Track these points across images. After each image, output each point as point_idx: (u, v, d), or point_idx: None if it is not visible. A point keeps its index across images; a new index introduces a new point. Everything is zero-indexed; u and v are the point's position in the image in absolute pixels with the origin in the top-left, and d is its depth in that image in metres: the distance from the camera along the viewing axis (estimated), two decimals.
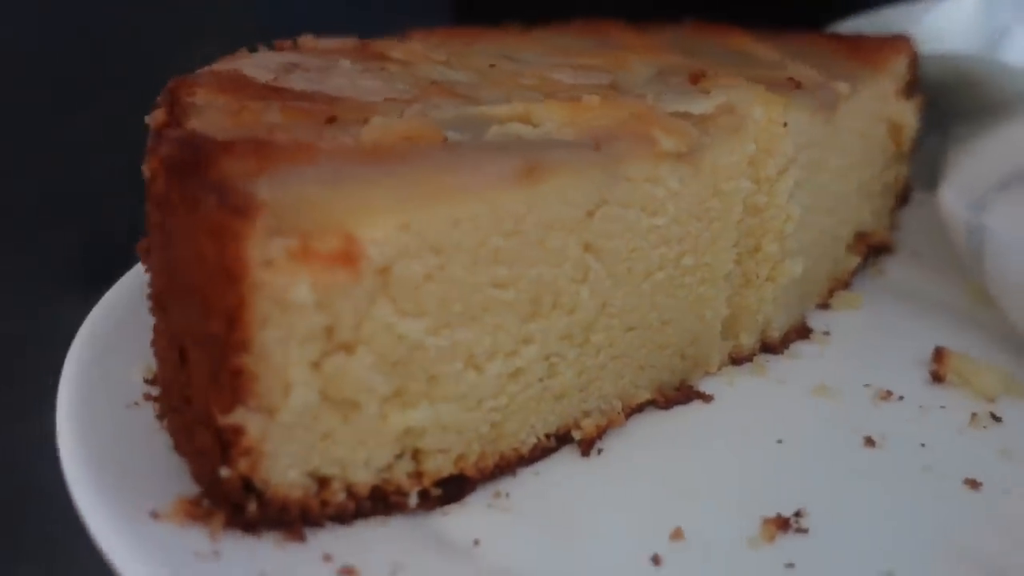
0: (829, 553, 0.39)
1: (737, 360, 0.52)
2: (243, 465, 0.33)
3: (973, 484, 0.43)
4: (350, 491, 0.37)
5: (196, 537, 0.33)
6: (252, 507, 0.34)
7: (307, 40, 0.53)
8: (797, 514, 0.40)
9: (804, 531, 0.40)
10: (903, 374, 0.52)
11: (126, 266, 0.49)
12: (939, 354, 0.53)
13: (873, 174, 0.63)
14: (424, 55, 0.51)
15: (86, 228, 0.66)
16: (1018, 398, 0.50)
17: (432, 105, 0.43)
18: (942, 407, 0.49)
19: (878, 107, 0.61)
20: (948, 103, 0.66)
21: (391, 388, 0.36)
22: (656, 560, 0.37)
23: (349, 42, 0.55)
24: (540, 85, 0.48)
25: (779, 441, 0.45)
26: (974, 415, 0.48)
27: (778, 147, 0.48)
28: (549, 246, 0.39)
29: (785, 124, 0.48)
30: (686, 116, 0.45)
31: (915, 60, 0.64)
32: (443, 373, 0.38)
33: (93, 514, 0.32)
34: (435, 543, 0.37)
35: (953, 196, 0.58)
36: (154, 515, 0.33)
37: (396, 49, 0.52)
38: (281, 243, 0.32)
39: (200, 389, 0.34)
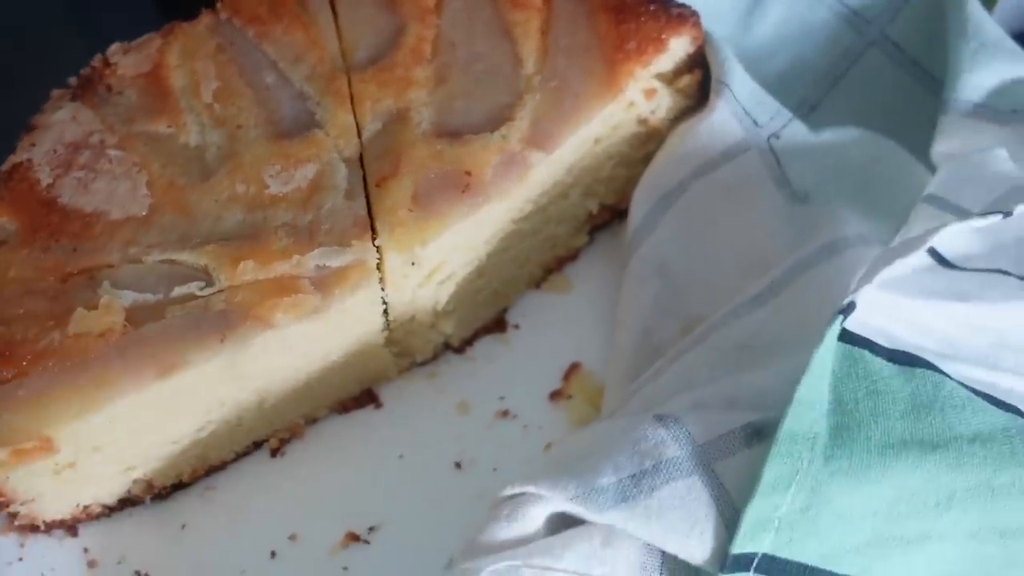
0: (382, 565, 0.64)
1: (417, 362, 0.72)
2: (21, 519, 0.62)
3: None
4: (103, 506, 0.66)
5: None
6: (40, 527, 0.64)
7: (109, 72, 0.68)
8: (371, 528, 0.66)
9: (368, 543, 0.66)
10: (536, 387, 0.68)
11: None
12: (571, 370, 0.70)
13: (606, 170, 0.72)
14: (196, 89, 0.66)
15: None
16: None
17: (152, 243, 0.61)
18: (540, 427, 0.69)
19: (611, 122, 0.68)
20: None
21: (113, 469, 0.63)
22: (272, 555, 0.66)
23: (145, 63, 0.69)
24: (249, 198, 0.63)
25: (400, 456, 0.68)
26: (549, 445, 0.68)
27: (415, 278, 0.63)
28: (196, 402, 0.61)
29: (413, 263, 0.62)
30: (326, 269, 0.61)
31: (700, 43, 0.67)
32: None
33: None
34: (154, 529, 0.66)
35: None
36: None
37: (178, 73, 0.67)
38: None
39: None
